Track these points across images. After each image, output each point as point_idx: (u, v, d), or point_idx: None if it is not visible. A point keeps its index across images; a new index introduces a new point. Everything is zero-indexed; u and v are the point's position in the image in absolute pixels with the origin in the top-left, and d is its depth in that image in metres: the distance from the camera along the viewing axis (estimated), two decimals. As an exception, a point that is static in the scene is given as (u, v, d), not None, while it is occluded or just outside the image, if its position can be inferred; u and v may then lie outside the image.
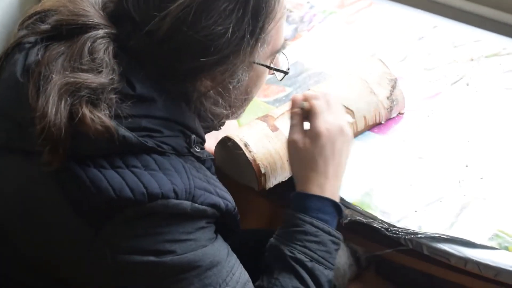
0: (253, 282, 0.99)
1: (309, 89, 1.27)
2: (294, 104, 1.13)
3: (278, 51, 1.04)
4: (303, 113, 1.11)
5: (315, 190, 1.06)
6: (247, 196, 1.32)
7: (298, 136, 1.10)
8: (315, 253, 1.01)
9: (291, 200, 1.07)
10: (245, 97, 1.05)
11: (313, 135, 1.08)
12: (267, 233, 1.45)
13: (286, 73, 1.08)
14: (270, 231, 1.44)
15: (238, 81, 0.99)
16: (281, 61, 1.09)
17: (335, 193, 1.07)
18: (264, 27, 0.95)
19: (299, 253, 1.00)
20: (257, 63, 1.00)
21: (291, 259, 1.00)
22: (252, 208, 1.69)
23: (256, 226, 1.71)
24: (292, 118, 1.13)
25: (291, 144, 1.10)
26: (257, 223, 1.74)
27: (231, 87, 0.99)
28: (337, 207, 1.06)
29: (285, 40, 1.04)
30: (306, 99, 1.12)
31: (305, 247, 1.01)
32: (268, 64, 1.03)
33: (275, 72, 1.07)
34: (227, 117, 1.06)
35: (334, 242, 1.03)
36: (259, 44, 0.96)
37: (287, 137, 1.15)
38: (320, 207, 1.04)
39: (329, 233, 1.03)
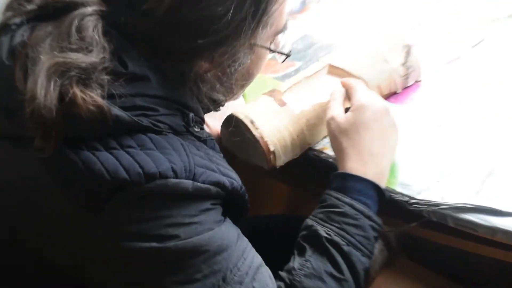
0: (271, 270, 0.94)
1: (317, 60, 1.22)
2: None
3: (279, 33, 0.99)
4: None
5: (357, 169, 1.00)
6: (264, 181, 1.30)
7: (338, 110, 1.05)
8: (353, 237, 0.95)
9: (331, 179, 1.01)
10: (245, 82, 1.02)
11: (356, 108, 1.03)
12: (287, 219, 1.44)
13: (288, 55, 1.03)
14: (291, 217, 1.43)
15: (240, 64, 0.96)
16: (282, 41, 1.04)
17: (379, 176, 1.01)
18: (267, 9, 0.91)
19: (335, 235, 0.94)
20: (258, 46, 0.96)
21: (326, 240, 0.94)
22: (271, 193, 1.68)
23: (276, 212, 1.70)
24: (332, 95, 1.09)
25: (331, 120, 1.05)
26: (277, 209, 1.73)
27: (231, 71, 0.96)
28: (380, 192, 0.99)
29: (287, 20, 0.99)
30: (343, 83, 1.10)
31: (343, 229, 0.95)
32: (268, 46, 0.99)
33: (276, 53, 1.02)
34: (225, 102, 1.03)
35: (374, 229, 0.97)
36: (261, 26, 0.92)
37: (296, 112, 1.12)
38: (361, 189, 0.99)
39: (370, 218, 0.96)
